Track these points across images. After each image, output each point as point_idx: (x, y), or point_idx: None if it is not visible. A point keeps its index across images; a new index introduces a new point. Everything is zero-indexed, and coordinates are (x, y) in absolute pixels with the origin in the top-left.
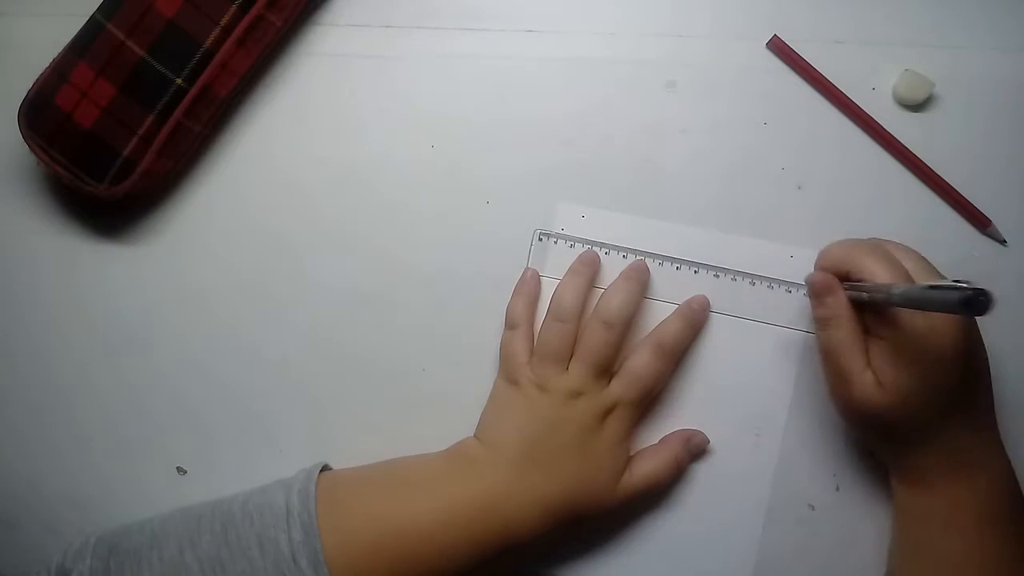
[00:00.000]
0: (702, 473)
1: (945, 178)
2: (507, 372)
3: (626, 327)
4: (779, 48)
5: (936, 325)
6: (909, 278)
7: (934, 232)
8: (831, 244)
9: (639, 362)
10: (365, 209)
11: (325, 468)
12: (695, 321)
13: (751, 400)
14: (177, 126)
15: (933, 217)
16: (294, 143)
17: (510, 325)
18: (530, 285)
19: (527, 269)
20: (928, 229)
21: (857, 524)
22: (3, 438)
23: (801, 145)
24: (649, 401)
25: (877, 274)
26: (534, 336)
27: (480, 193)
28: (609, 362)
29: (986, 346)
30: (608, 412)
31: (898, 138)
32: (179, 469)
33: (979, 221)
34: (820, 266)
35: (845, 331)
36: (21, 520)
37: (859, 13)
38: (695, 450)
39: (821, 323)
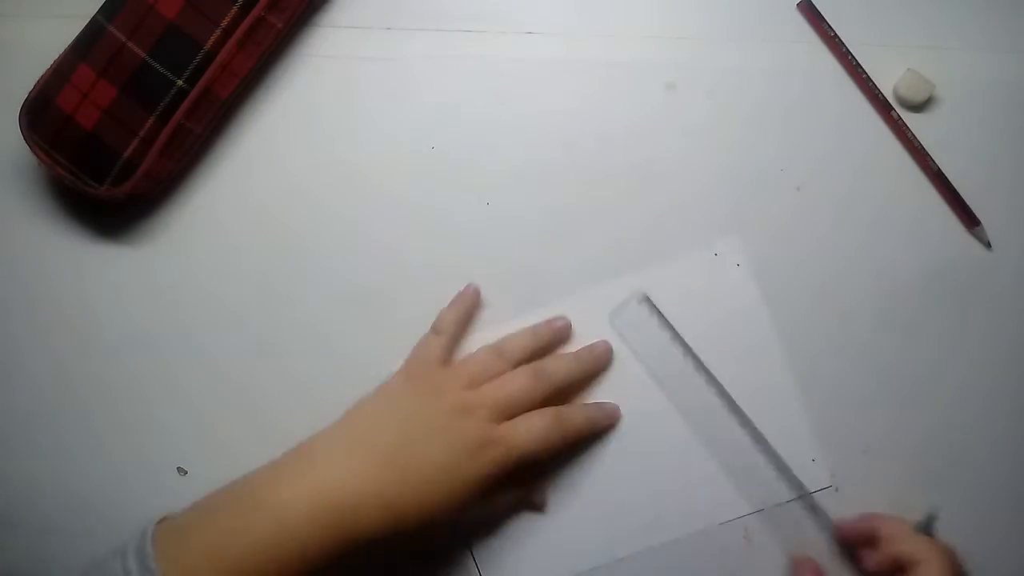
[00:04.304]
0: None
1: (940, 179)
2: (410, 369)
3: (553, 392)
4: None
5: None
6: None
7: (923, 227)
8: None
9: (540, 422)
10: (365, 210)
11: (163, 519)
12: (597, 422)
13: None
14: (178, 127)
15: (927, 212)
16: (295, 144)
17: (435, 330)
18: (469, 299)
19: (469, 285)
20: (921, 226)
21: None
22: (3, 439)
23: (800, 147)
24: (525, 464)
25: None
26: (452, 350)
27: (480, 194)
28: (519, 412)
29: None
30: (488, 445)
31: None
32: (180, 469)
33: (968, 220)
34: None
35: None
36: (21, 521)
37: (860, 14)
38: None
39: None
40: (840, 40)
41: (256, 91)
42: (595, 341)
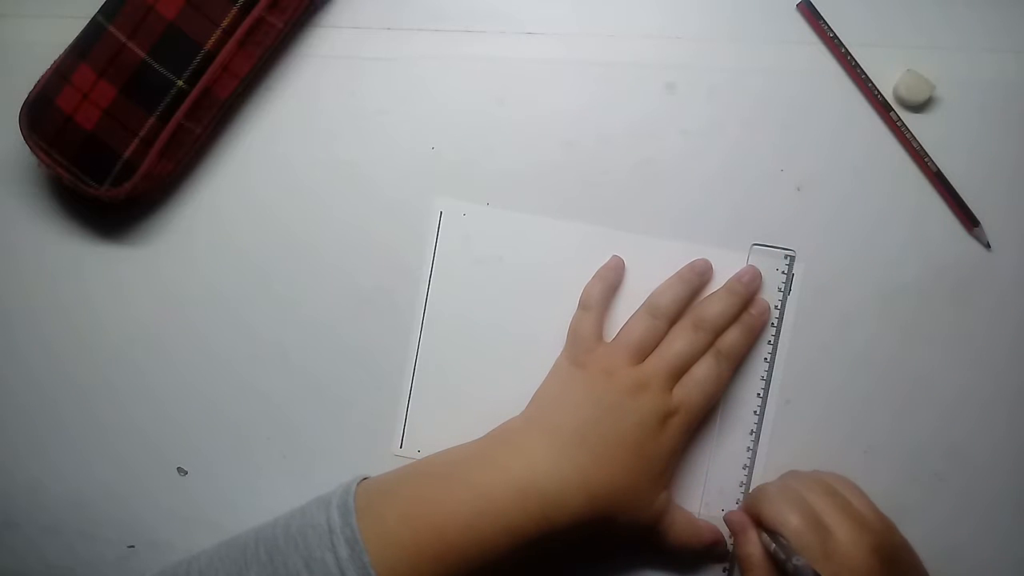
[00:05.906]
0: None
1: (940, 180)
2: (573, 353)
3: (716, 336)
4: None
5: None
6: (817, 528)
7: (923, 228)
8: (763, 485)
9: (702, 369)
10: (365, 210)
11: (364, 479)
12: (754, 328)
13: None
14: (178, 128)
15: (926, 212)
16: (295, 144)
17: (584, 306)
18: (613, 272)
19: (614, 256)
20: (921, 227)
21: None
22: (4, 439)
23: (800, 147)
24: (708, 410)
25: (781, 522)
26: (604, 322)
27: (480, 194)
28: (687, 367)
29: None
30: (669, 416)
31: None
32: (179, 470)
33: (967, 221)
34: (742, 507)
35: (756, 573)
36: (21, 521)
37: (860, 14)
38: (717, 551)
39: (737, 561)
40: (840, 40)
41: (256, 91)
42: (740, 269)
